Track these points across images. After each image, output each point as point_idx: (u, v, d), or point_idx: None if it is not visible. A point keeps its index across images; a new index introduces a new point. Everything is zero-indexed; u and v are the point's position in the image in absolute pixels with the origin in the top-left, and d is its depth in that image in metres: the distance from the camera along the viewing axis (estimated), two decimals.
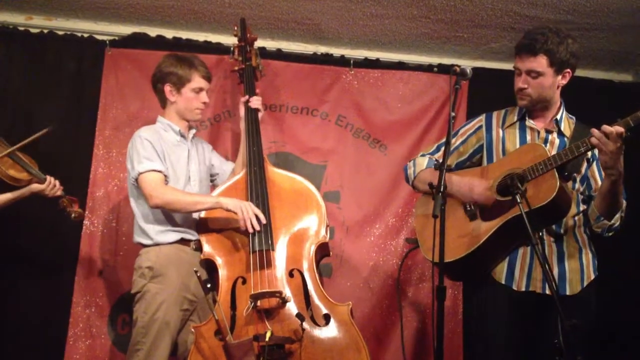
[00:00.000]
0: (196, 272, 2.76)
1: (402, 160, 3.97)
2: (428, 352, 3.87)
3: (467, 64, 4.22)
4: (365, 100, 4.17)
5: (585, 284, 2.69)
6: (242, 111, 3.39)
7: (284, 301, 2.86)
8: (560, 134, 2.77)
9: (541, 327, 2.63)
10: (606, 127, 2.39)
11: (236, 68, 3.56)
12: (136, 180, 3.01)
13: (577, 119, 2.84)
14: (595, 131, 2.41)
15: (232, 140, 3.97)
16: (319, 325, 2.85)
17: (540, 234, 2.66)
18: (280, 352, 2.74)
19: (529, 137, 2.79)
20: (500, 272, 2.72)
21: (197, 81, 3.17)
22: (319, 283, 2.97)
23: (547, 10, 3.72)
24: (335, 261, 3.95)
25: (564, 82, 2.74)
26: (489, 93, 4.03)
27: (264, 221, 2.97)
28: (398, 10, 3.79)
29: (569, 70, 2.71)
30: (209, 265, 3.05)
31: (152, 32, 4.09)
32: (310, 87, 4.13)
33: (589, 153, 2.66)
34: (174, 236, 3.07)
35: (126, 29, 4.07)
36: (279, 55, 4.16)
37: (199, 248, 3.08)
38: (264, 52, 3.92)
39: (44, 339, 3.65)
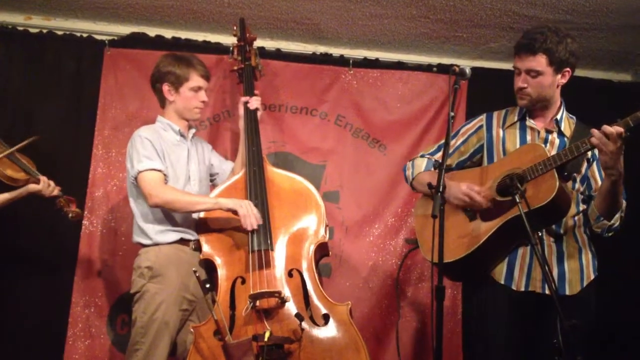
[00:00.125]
0: (195, 272, 2.75)
1: (402, 160, 3.97)
2: (427, 352, 3.87)
3: (466, 63, 4.22)
4: (364, 100, 4.17)
5: (585, 284, 2.69)
6: (241, 111, 3.38)
7: (283, 301, 2.86)
8: (561, 133, 2.77)
9: (541, 327, 2.63)
10: (606, 128, 2.39)
11: (235, 68, 3.56)
12: (135, 179, 3.01)
13: (577, 119, 2.84)
14: (595, 131, 2.41)
15: (232, 140, 3.97)
16: (318, 325, 2.85)
17: (540, 234, 2.66)
18: (279, 352, 2.73)
19: (529, 137, 2.79)
20: (500, 272, 2.72)
21: (195, 80, 3.17)
22: (318, 283, 2.97)
23: (546, 10, 3.72)
24: (335, 261, 3.95)
25: (564, 81, 2.74)
26: (488, 93, 4.04)
27: (260, 222, 2.97)
28: (397, 10, 3.79)
29: (568, 69, 2.71)
30: (208, 265, 3.05)
31: (151, 32, 4.09)
32: (309, 87, 4.13)
33: (589, 153, 2.66)
34: (174, 236, 3.06)
35: (125, 29, 4.07)
36: (278, 55, 4.16)
37: (198, 248, 3.08)
38: (263, 52, 3.92)
39: (43, 339, 3.64)
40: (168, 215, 3.06)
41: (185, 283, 3.00)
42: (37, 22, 4.02)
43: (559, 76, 2.71)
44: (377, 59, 4.25)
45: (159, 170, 3.01)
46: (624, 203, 2.66)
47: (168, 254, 3.03)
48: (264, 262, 2.94)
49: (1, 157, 3.13)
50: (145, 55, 3.92)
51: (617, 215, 2.66)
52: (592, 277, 2.72)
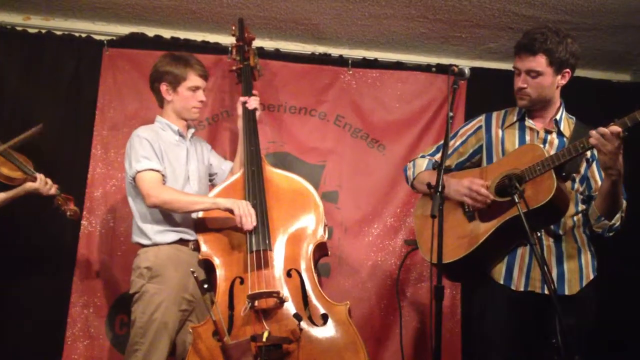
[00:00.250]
0: (193, 272, 2.75)
1: (401, 160, 3.98)
2: (426, 352, 3.87)
3: (465, 63, 4.23)
4: (363, 100, 4.16)
5: (584, 284, 2.69)
6: (239, 111, 3.38)
7: (282, 301, 2.86)
8: (560, 134, 2.77)
9: (540, 327, 2.63)
10: (604, 128, 2.39)
11: (234, 68, 3.56)
12: (134, 179, 3.01)
13: (576, 119, 2.84)
14: (593, 132, 2.41)
15: (230, 140, 3.97)
16: (316, 325, 2.85)
17: (539, 234, 2.65)
18: (278, 352, 2.73)
19: (528, 138, 2.79)
20: (499, 272, 2.72)
21: (193, 80, 3.17)
22: (317, 283, 2.97)
23: (545, 10, 3.72)
24: (334, 261, 3.95)
25: (564, 82, 2.74)
26: (487, 93, 4.03)
27: (250, 228, 2.95)
28: (396, 10, 3.79)
29: (568, 70, 2.71)
30: (207, 266, 3.05)
31: (150, 32, 4.08)
32: (308, 87, 4.13)
33: (589, 153, 2.67)
34: (173, 236, 3.06)
35: (124, 29, 4.07)
36: (277, 55, 4.16)
37: (197, 248, 3.07)
38: (262, 52, 3.92)
39: (42, 339, 3.64)
40: (167, 215, 3.06)
41: (184, 283, 3.00)
42: (36, 22, 4.02)
43: (559, 77, 2.71)
44: (376, 59, 4.25)
45: (157, 171, 3.01)
46: (624, 203, 2.66)
47: (167, 254, 3.02)
48: (263, 262, 2.93)
49: None
50: (144, 55, 3.91)
51: (618, 215, 2.66)
52: (592, 277, 2.72)
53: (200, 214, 3.09)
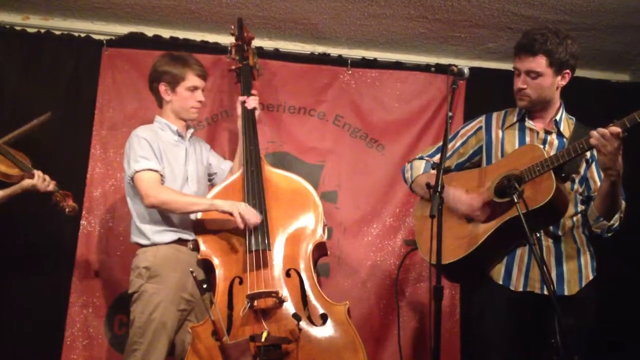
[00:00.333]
0: (192, 272, 2.75)
1: (400, 160, 3.98)
2: (425, 352, 3.87)
3: (465, 63, 4.22)
4: (362, 100, 4.16)
5: (583, 284, 2.69)
6: (239, 110, 3.38)
7: (281, 301, 2.86)
8: (560, 134, 2.77)
9: (539, 327, 2.63)
10: (604, 129, 2.39)
11: (233, 67, 3.55)
12: (132, 179, 3.01)
13: (576, 120, 2.84)
14: (593, 132, 2.41)
15: (230, 140, 3.96)
16: (315, 325, 2.85)
17: (538, 234, 2.65)
18: (276, 352, 2.73)
19: (528, 138, 2.79)
20: (498, 272, 2.72)
21: (192, 80, 3.16)
22: (316, 283, 2.97)
23: (544, 10, 3.72)
24: (333, 261, 3.95)
25: (564, 83, 2.74)
26: (487, 93, 4.03)
27: (259, 221, 2.97)
28: (395, 10, 3.79)
29: (568, 70, 2.71)
30: (206, 265, 3.05)
31: (149, 31, 4.08)
32: (307, 87, 4.13)
33: (588, 154, 2.67)
34: (172, 236, 3.06)
35: (123, 29, 4.06)
36: (277, 55, 4.15)
37: (196, 248, 3.07)
38: (261, 52, 3.91)
39: (41, 339, 3.63)
40: (166, 215, 3.05)
41: (183, 283, 2.99)
42: (35, 22, 4.01)
43: (559, 78, 2.71)
44: (375, 59, 4.25)
45: (156, 171, 3.01)
46: (623, 203, 2.67)
47: (166, 254, 3.02)
48: (262, 262, 2.94)
49: None
50: (143, 55, 3.91)
51: (617, 216, 2.66)
52: (591, 277, 2.72)
53: (200, 214, 3.09)
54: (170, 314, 2.96)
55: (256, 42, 3.71)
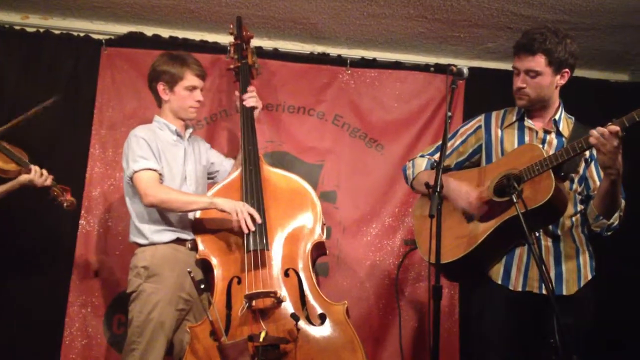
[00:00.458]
0: (190, 272, 2.75)
1: (399, 160, 3.98)
2: (425, 352, 3.86)
3: (464, 63, 4.21)
4: (362, 100, 4.16)
5: (582, 284, 2.69)
6: (238, 109, 3.38)
7: (279, 301, 2.85)
8: (559, 134, 2.77)
9: (538, 327, 2.63)
10: (603, 127, 2.39)
11: (232, 66, 3.54)
12: (131, 178, 3.01)
13: (575, 119, 2.84)
14: (593, 131, 2.41)
15: (229, 140, 3.97)
16: (314, 325, 2.84)
17: (538, 234, 2.66)
18: (275, 352, 2.73)
19: (527, 138, 2.79)
20: (497, 272, 2.72)
21: (190, 79, 3.16)
22: (315, 282, 2.96)
23: (543, 10, 3.72)
24: (332, 261, 3.94)
25: (563, 82, 2.74)
26: (486, 93, 4.03)
27: (259, 221, 2.97)
28: (395, 10, 3.79)
29: (567, 70, 2.71)
30: (205, 265, 3.05)
31: (149, 31, 4.08)
32: (307, 87, 4.12)
33: (587, 153, 2.67)
34: (170, 236, 3.06)
35: (122, 28, 4.06)
36: (276, 54, 4.15)
37: (194, 248, 3.07)
38: (260, 52, 3.91)
39: (40, 338, 3.63)
40: (164, 215, 3.05)
41: (181, 283, 2.99)
42: (34, 22, 4.00)
43: (558, 77, 2.71)
44: (374, 59, 4.24)
45: (154, 170, 3.01)
46: (623, 202, 2.67)
47: (164, 254, 3.02)
48: (260, 262, 2.93)
49: None
50: (142, 54, 3.91)
51: (616, 215, 2.66)
52: (590, 277, 2.72)
53: (198, 214, 3.09)
54: (169, 314, 2.95)
55: (255, 42, 3.71)
